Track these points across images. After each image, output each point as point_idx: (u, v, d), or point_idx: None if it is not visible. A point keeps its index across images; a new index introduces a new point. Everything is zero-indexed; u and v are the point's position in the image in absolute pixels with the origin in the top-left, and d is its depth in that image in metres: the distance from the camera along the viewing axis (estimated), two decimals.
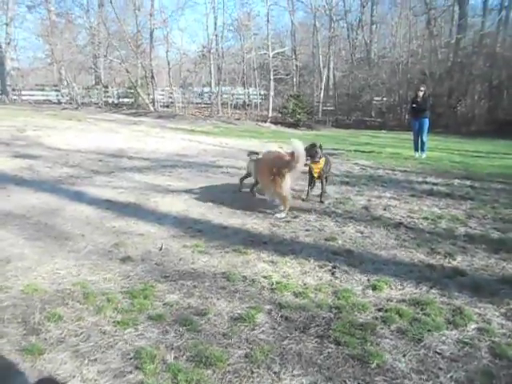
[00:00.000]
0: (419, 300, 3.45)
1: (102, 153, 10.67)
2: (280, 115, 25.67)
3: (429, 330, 3.03)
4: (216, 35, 29.37)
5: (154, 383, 2.43)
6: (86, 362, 2.65)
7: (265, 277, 3.87)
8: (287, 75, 30.49)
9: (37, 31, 32.16)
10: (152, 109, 27.58)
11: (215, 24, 29.86)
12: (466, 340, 2.92)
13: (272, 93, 27.67)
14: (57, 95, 32.01)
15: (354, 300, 3.45)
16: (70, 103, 29.25)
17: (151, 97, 28.99)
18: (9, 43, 31.52)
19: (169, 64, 29.74)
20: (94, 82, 34.54)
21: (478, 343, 2.88)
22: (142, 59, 28.47)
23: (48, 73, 35.72)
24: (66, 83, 31.62)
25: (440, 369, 2.62)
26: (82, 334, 2.94)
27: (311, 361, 2.67)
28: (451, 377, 2.54)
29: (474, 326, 3.11)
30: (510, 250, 4.60)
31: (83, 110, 25.74)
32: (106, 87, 32.43)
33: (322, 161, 6.42)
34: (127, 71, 28.14)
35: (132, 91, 29.91)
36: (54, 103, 30.34)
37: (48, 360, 2.65)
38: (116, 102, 31.68)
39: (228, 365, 2.62)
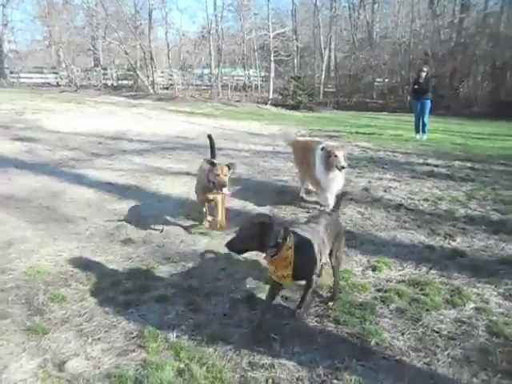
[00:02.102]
0: (418, 280, 3.49)
1: (101, 135, 10.63)
2: (281, 97, 25.44)
3: (427, 310, 3.07)
4: (216, 15, 28.99)
5: (156, 361, 2.48)
6: (90, 340, 2.70)
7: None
8: (288, 56, 30.13)
9: (34, 12, 31.85)
10: (152, 91, 27.36)
11: (215, 4, 29.50)
12: (463, 319, 2.96)
13: (272, 74, 27.42)
14: (55, 78, 31.71)
15: (354, 280, 3.49)
16: (69, 86, 29.03)
17: (151, 79, 28.73)
18: (6, 25, 31.20)
19: (168, 45, 29.42)
20: (92, 64, 34.21)
21: (475, 322, 2.93)
22: (140, 40, 28.15)
23: (46, 55, 35.41)
24: (64, 65, 31.33)
25: (438, 347, 2.67)
26: (85, 314, 2.99)
27: (311, 339, 2.72)
28: (448, 354, 2.59)
29: (472, 305, 3.15)
30: (509, 231, 4.62)
31: (82, 93, 25.53)
32: (105, 69, 32.16)
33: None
34: (126, 53, 27.82)
35: (131, 73, 29.66)
36: (53, 86, 30.10)
37: (52, 339, 2.69)
38: (115, 84, 31.43)
39: (229, 343, 2.66)
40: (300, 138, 6.97)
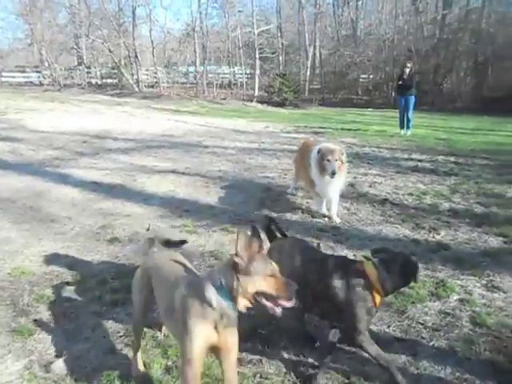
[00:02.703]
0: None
1: (86, 134, 10.52)
2: (266, 94, 25.42)
3: (412, 302, 3.11)
4: (200, 13, 28.77)
5: (144, 359, 2.47)
6: (76, 341, 2.68)
7: None
8: (273, 54, 30.13)
9: (15, 10, 31.25)
10: (136, 89, 27.13)
11: (199, 1, 29.21)
12: (448, 311, 3.01)
13: (258, 72, 27.37)
14: (38, 77, 31.21)
15: None
16: (53, 85, 28.59)
17: (135, 77, 28.46)
18: None
19: (152, 43, 29.10)
20: (76, 63, 33.74)
21: (459, 313, 2.98)
22: (124, 38, 27.85)
23: (28, 54, 34.78)
24: (47, 64, 30.84)
25: (423, 338, 2.71)
26: (71, 314, 2.96)
27: (297, 334, 2.73)
28: (433, 345, 2.64)
29: (456, 297, 3.20)
30: (492, 224, 4.70)
31: (66, 92, 25.25)
32: (89, 68, 31.76)
33: None
34: (110, 51, 27.52)
35: (115, 71, 29.34)
36: (36, 85, 29.66)
37: (38, 340, 2.67)
38: (99, 82, 31.06)
39: None
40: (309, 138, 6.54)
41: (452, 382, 2.34)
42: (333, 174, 4.53)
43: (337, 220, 4.81)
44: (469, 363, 2.47)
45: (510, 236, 4.33)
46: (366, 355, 2.28)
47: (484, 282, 3.44)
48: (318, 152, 4.70)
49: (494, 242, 4.27)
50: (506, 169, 7.46)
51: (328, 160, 4.57)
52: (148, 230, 4.52)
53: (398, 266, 2.23)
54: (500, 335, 2.71)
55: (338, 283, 2.28)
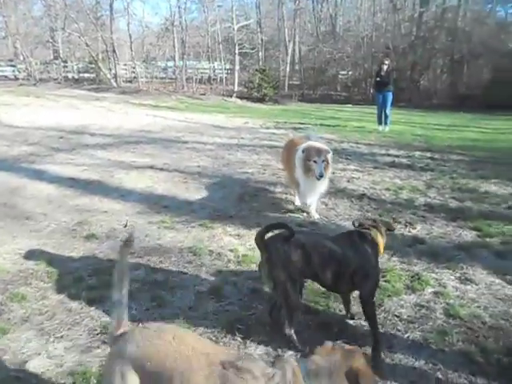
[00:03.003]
0: (380, 268, 3.58)
1: (62, 130, 10.32)
2: (246, 90, 25.39)
3: (389, 296, 3.16)
4: (179, 7, 28.48)
5: None
6: (52, 339, 2.64)
7: (231, 250, 3.92)
8: (252, 49, 30.06)
9: None
10: (114, 84, 26.72)
11: None
12: (422, 303, 3.08)
13: (237, 67, 27.29)
14: (13, 71, 30.34)
15: None
16: (28, 79, 27.87)
17: (113, 72, 28.02)
18: None
19: (130, 37, 28.74)
20: (52, 57, 33.00)
21: (433, 306, 3.04)
22: (102, 32, 27.37)
23: (3, 47, 33.84)
24: (22, 58, 30.06)
25: (398, 330, 2.76)
26: (46, 312, 2.92)
27: (276, 329, 2.75)
28: (408, 337, 2.69)
29: (430, 290, 3.27)
30: (466, 218, 4.81)
31: (42, 86, 24.67)
32: (66, 62, 31.08)
33: None
34: (87, 45, 27.00)
35: (93, 66, 28.79)
36: (11, 79, 28.82)
37: (12, 339, 2.62)
38: (76, 77, 30.43)
39: None
40: (293, 136, 6.19)
41: (426, 372, 2.39)
42: (320, 176, 4.39)
43: (315, 215, 4.85)
44: (442, 354, 2.53)
45: (483, 230, 4.44)
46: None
47: (458, 274, 3.52)
48: (303, 151, 4.53)
49: (468, 235, 4.37)
50: (479, 164, 7.64)
51: (314, 161, 4.42)
52: (125, 226, 4.47)
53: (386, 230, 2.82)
54: (472, 326, 2.78)
55: (365, 252, 2.62)
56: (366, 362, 1.59)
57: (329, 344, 1.64)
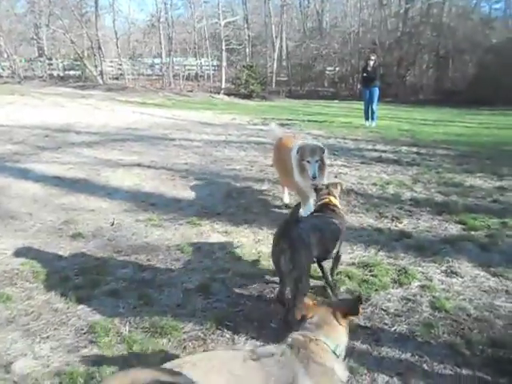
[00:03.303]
0: (368, 262, 3.61)
1: (48, 128, 10.20)
2: (233, 86, 25.34)
3: (376, 290, 3.19)
4: (165, 3, 28.27)
5: (109, 355, 2.44)
6: (38, 339, 2.61)
7: (219, 247, 3.91)
8: (240, 45, 30.03)
9: None
10: (101, 81, 26.47)
11: None
12: (409, 297, 3.11)
13: (224, 63, 27.21)
14: None
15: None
16: (12, 77, 27.49)
17: (99, 69, 27.74)
18: None
19: (116, 34, 28.46)
20: (36, 54, 32.57)
21: (420, 299, 3.07)
22: (87, 29, 27.09)
23: None
24: (6, 55, 29.59)
25: (385, 324, 2.79)
26: (32, 312, 2.89)
27: (264, 325, 2.76)
28: (395, 330, 2.72)
29: (417, 283, 3.30)
30: (452, 212, 4.86)
31: (26, 84, 24.36)
32: (50, 59, 30.70)
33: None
34: (72, 42, 26.72)
35: (78, 63, 28.51)
36: None
37: None
38: (62, 74, 30.09)
39: (183, 333, 2.66)
40: (285, 134, 5.83)
41: (412, 364, 2.42)
42: (313, 177, 4.15)
43: (302, 212, 4.82)
44: (428, 346, 2.56)
45: (468, 223, 4.48)
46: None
47: (444, 268, 3.56)
48: (298, 151, 4.30)
49: (454, 229, 4.42)
50: (465, 158, 7.72)
51: (308, 161, 4.21)
52: (112, 224, 4.44)
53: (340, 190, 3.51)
54: (457, 318, 2.82)
55: (342, 216, 3.25)
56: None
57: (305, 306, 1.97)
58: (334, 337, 1.85)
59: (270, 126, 6.04)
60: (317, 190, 3.46)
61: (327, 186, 3.43)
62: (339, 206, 3.29)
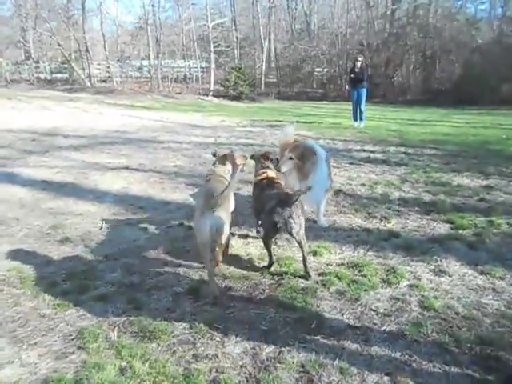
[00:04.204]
0: (357, 262, 3.62)
1: (35, 132, 10.12)
2: (222, 88, 25.34)
3: (365, 290, 3.20)
4: (152, 5, 28.19)
5: (97, 361, 2.41)
6: (25, 346, 2.58)
7: None
8: (228, 47, 30.05)
9: None
10: (88, 84, 26.30)
11: None
12: (398, 296, 3.12)
13: (213, 65, 27.19)
14: None
15: (296, 266, 3.56)
16: None
17: (87, 71, 27.58)
18: None
19: (104, 36, 28.32)
20: (23, 57, 32.24)
21: (408, 298, 3.09)
22: (74, 31, 26.90)
23: None
24: None
25: (374, 324, 2.79)
26: (19, 319, 2.85)
27: (254, 326, 2.75)
28: (384, 330, 2.72)
29: (406, 283, 3.32)
30: (440, 211, 4.89)
31: (13, 88, 24.10)
32: (37, 62, 30.42)
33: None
34: (59, 45, 26.47)
35: (66, 66, 28.30)
36: None
37: None
38: (49, 77, 29.83)
39: (172, 337, 2.65)
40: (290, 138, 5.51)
41: (402, 363, 2.43)
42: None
43: (324, 223, 4.75)
44: (417, 345, 2.57)
45: (456, 222, 4.52)
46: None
47: (432, 267, 3.58)
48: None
49: (442, 228, 4.45)
50: (452, 158, 7.79)
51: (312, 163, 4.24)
52: (101, 228, 4.41)
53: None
54: (446, 317, 2.84)
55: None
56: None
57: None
58: None
59: (285, 128, 5.83)
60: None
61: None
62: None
